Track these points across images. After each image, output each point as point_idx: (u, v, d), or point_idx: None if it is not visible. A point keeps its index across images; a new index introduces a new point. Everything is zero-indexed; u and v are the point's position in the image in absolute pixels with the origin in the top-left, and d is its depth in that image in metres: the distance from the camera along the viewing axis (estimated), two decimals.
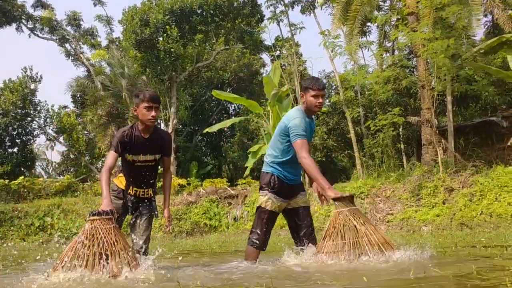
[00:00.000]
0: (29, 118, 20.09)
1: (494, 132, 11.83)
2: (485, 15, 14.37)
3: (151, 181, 3.71)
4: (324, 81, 17.98)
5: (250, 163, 12.97)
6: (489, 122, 11.88)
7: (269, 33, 26.54)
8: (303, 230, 3.54)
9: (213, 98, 20.22)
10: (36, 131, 20.98)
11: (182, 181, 14.58)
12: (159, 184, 7.20)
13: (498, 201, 8.07)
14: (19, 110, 19.37)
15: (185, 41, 17.08)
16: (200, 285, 2.58)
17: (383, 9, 15.64)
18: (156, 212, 3.76)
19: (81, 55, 20.74)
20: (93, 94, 18.53)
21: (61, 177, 20.07)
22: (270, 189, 3.55)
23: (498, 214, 7.82)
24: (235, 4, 17.01)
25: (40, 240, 10.73)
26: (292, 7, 16.06)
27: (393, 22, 13.88)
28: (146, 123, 3.45)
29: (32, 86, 20.34)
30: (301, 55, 20.06)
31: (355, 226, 3.10)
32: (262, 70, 22.13)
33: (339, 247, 3.08)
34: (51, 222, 11.27)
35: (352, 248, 3.04)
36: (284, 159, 3.56)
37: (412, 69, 14.49)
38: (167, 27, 15.81)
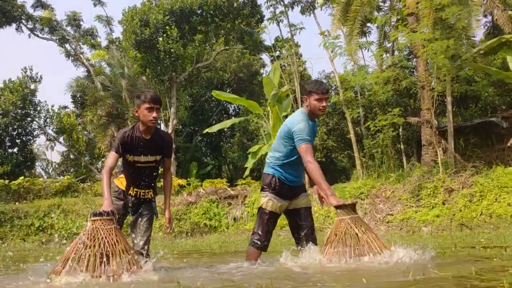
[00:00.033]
0: (29, 118, 20.10)
1: (494, 133, 11.85)
2: (485, 16, 14.40)
3: (152, 182, 3.72)
4: (324, 81, 18.00)
5: (250, 163, 12.98)
6: (489, 122, 11.89)
7: (269, 34, 26.66)
8: (304, 231, 3.56)
9: (213, 98, 20.23)
10: (36, 131, 21.01)
11: (182, 182, 14.59)
12: (159, 185, 7.22)
13: (498, 202, 8.08)
14: (19, 110, 19.38)
15: (185, 41, 17.09)
16: (200, 286, 2.59)
17: (383, 9, 15.67)
18: (156, 212, 3.77)
19: (81, 55, 20.74)
20: (93, 95, 18.53)
21: (61, 177, 20.08)
22: (271, 190, 3.57)
23: (498, 215, 7.83)
24: (235, 4, 17.03)
25: (40, 240, 10.75)
26: (292, 8, 16.09)
27: (393, 23, 13.90)
28: (147, 124, 3.46)
29: (32, 86, 20.35)
30: (301, 55, 20.09)
31: (357, 234, 3.11)
32: (262, 71, 22.16)
33: (340, 254, 3.10)
34: (51, 222, 11.28)
35: (353, 256, 3.06)
36: (286, 161, 3.58)
37: (412, 70, 14.50)
38: (167, 27, 15.82)
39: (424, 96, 10.51)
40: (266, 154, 11.69)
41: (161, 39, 16.20)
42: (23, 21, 19.80)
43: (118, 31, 47.17)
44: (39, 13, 20.29)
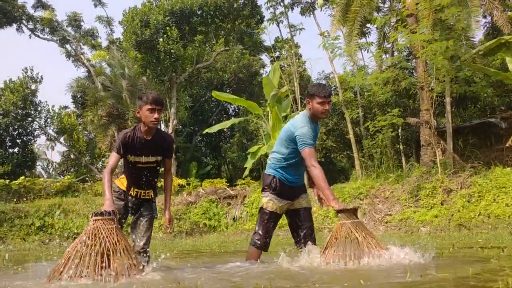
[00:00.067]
0: (29, 119, 20.12)
1: (493, 133, 11.87)
2: (484, 17, 14.41)
3: (152, 183, 3.75)
4: (324, 82, 18.04)
5: (249, 163, 13.00)
6: (487, 123, 11.91)
7: (268, 34, 26.63)
8: (303, 231, 3.60)
9: (212, 99, 20.25)
10: (37, 131, 21.03)
11: (182, 181, 14.61)
12: (159, 185, 7.25)
13: (496, 202, 8.12)
14: (19, 111, 19.39)
15: (185, 42, 17.10)
16: (200, 286, 2.62)
17: (383, 10, 15.70)
18: (155, 212, 3.80)
19: (81, 55, 20.76)
20: (93, 95, 18.56)
21: (62, 177, 20.10)
22: (272, 191, 3.62)
23: (496, 215, 7.86)
24: (235, 5, 17.04)
25: (41, 240, 10.78)
26: (292, 8, 16.13)
27: (392, 24, 13.93)
28: (149, 125, 3.49)
29: (33, 87, 20.37)
30: (301, 56, 20.14)
31: (357, 239, 3.14)
32: (261, 71, 22.18)
33: (340, 258, 3.12)
34: (51, 222, 11.31)
35: (353, 259, 3.08)
36: (287, 162, 3.62)
37: (411, 71, 14.53)
38: (167, 28, 15.84)
39: (423, 96, 10.54)
40: (266, 154, 11.76)
41: (161, 39, 16.22)
42: (24, 21, 19.82)
43: (118, 32, 47.25)
44: (39, 13, 20.33)
